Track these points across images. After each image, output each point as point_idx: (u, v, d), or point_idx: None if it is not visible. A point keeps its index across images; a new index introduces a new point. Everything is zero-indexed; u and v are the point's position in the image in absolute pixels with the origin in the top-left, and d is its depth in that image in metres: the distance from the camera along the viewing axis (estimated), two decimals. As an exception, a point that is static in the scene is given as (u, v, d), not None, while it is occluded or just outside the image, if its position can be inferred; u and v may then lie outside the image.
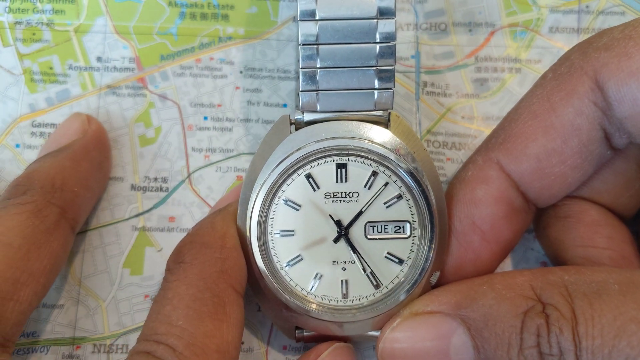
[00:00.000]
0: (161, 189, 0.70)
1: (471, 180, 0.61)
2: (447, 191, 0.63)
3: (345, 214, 0.61)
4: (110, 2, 0.72)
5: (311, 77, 0.59)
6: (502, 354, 0.53)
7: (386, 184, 0.60)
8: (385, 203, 0.61)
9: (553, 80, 0.59)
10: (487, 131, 0.71)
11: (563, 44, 0.73)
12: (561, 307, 0.51)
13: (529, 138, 0.58)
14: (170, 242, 0.69)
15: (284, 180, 0.60)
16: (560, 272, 0.55)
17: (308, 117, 0.60)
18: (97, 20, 0.72)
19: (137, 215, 0.69)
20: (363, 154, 0.60)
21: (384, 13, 0.58)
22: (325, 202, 0.61)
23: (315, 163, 0.60)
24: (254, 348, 0.68)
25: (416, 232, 0.61)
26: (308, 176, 0.60)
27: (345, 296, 0.61)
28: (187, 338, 0.54)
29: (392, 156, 0.59)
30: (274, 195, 0.60)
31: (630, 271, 0.53)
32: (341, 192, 0.61)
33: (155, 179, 0.70)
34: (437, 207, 0.60)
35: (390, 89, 0.60)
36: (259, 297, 0.63)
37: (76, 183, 0.63)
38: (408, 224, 0.61)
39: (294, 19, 0.73)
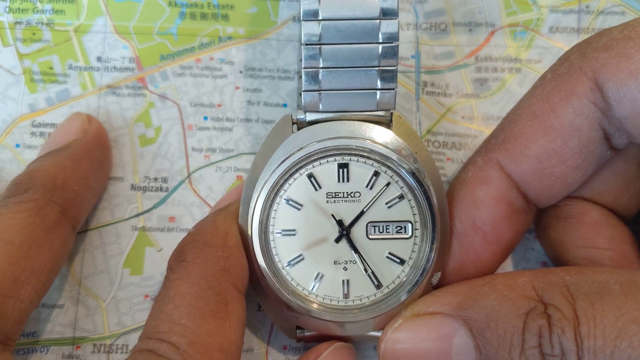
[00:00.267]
0: (161, 189, 0.70)
1: (472, 181, 0.61)
2: (447, 192, 0.62)
3: (347, 213, 0.61)
4: (110, 2, 0.72)
5: (314, 77, 0.59)
6: (504, 354, 0.53)
7: (388, 184, 0.60)
8: (386, 203, 0.61)
9: (552, 80, 0.59)
10: (487, 131, 0.71)
11: (563, 44, 0.73)
12: (563, 308, 0.51)
13: (529, 139, 0.58)
14: (170, 242, 0.69)
15: (286, 180, 0.60)
16: (561, 272, 0.55)
17: (310, 117, 0.60)
18: (97, 20, 0.72)
19: (137, 215, 0.69)
20: (365, 154, 0.60)
21: (387, 13, 0.58)
22: (327, 201, 0.61)
23: (317, 163, 0.60)
24: (254, 348, 0.68)
25: (418, 233, 0.61)
26: (310, 176, 0.60)
27: (346, 296, 0.61)
28: (190, 336, 0.54)
29: (394, 156, 0.59)
30: (276, 194, 0.60)
31: (631, 272, 0.53)
32: (343, 192, 0.61)
33: (155, 179, 0.70)
34: (438, 208, 0.60)
35: (393, 89, 0.60)
36: (260, 297, 0.63)
37: (77, 182, 0.63)
38: (410, 224, 0.61)
39: (294, 18, 0.73)
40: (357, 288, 0.61)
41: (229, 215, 0.61)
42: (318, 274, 0.61)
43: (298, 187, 0.60)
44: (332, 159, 0.60)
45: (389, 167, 0.60)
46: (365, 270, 0.61)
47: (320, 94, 0.59)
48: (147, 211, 0.69)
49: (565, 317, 0.51)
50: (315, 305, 0.60)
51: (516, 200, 0.60)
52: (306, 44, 0.58)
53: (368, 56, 0.59)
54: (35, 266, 0.58)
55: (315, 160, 0.60)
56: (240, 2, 0.72)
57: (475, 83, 0.73)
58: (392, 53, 0.59)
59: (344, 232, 0.60)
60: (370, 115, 0.60)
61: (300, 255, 0.61)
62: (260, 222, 0.60)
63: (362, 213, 0.61)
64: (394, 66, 0.59)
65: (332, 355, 0.62)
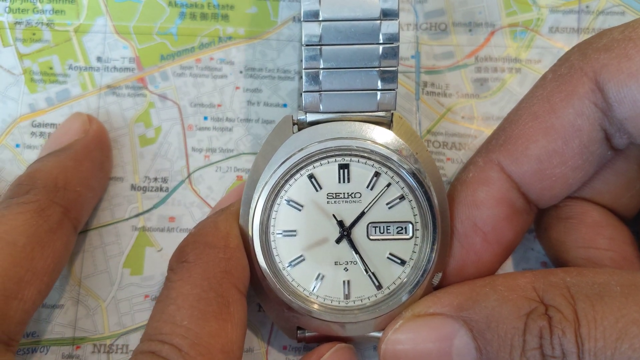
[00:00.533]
0: (161, 189, 0.70)
1: (472, 182, 0.61)
2: (448, 193, 0.62)
3: (348, 214, 0.61)
4: (110, 2, 0.72)
5: (314, 78, 0.59)
6: (505, 355, 0.53)
7: (388, 185, 0.60)
8: (387, 204, 0.61)
9: (553, 81, 0.59)
10: (487, 131, 0.71)
11: (563, 44, 0.73)
12: (563, 309, 0.51)
13: (530, 139, 0.58)
14: (170, 242, 0.69)
15: (287, 181, 0.60)
16: (562, 273, 0.55)
17: (311, 117, 0.60)
18: (97, 20, 0.72)
19: (137, 215, 0.69)
20: (365, 155, 0.60)
21: (387, 14, 0.58)
22: (328, 202, 0.61)
23: (317, 163, 0.60)
24: (254, 348, 0.68)
25: (418, 233, 0.61)
26: (310, 176, 0.60)
27: (347, 297, 0.61)
28: (192, 338, 0.54)
29: (394, 157, 0.59)
30: (277, 195, 0.60)
31: (632, 273, 0.53)
32: (343, 193, 0.61)
33: (155, 179, 0.70)
34: (439, 208, 0.60)
35: (393, 89, 0.60)
36: (261, 297, 0.63)
37: (78, 183, 0.63)
38: (410, 225, 0.61)
39: (294, 19, 0.73)
40: (357, 289, 0.61)
41: (230, 216, 0.61)
42: (319, 274, 0.61)
43: (299, 187, 0.60)
44: (332, 159, 0.60)
45: (390, 168, 0.60)
46: (366, 270, 0.61)
47: (320, 94, 0.59)
48: (147, 211, 0.69)
49: (565, 318, 0.51)
50: (316, 306, 0.60)
51: (517, 201, 0.60)
52: (307, 45, 0.58)
53: (368, 57, 0.59)
54: (38, 267, 0.58)
55: (316, 160, 0.60)
56: (240, 2, 0.72)
57: (475, 83, 0.73)
58: (392, 54, 0.59)
59: (345, 232, 0.60)
60: (371, 115, 0.60)
61: (301, 256, 0.61)
62: (261, 222, 0.60)
63: (362, 214, 0.61)
64: (395, 67, 0.59)
65: (334, 357, 0.62)
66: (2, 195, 0.63)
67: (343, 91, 0.59)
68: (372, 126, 0.60)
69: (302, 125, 0.61)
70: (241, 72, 0.72)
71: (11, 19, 0.71)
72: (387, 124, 0.61)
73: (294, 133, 0.60)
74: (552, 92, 0.58)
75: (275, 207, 0.61)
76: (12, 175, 0.67)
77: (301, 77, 0.60)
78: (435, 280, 0.61)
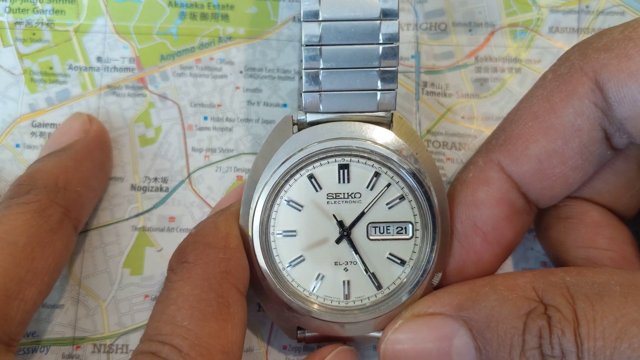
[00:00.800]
0: (161, 189, 0.70)
1: (472, 182, 0.61)
2: (448, 193, 0.62)
3: (348, 214, 0.61)
4: (110, 2, 0.72)
5: (314, 78, 0.59)
6: (504, 355, 0.53)
7: (388, 185, 0.60)
8: (387, 204, 0.61)
9: (553, 81, 0.59)
10: (487, 131, 0.71)
11: (563, 44, 0.73)
12: (563, 309, 0.51)
13: (530, 139, 0.58)
14: (170, 242, 0.69)
15: (287, 181, 0.60)
16: (561, 273, 0.55)
17: (311, 117, 0.60)
18: (97, 20, 0.72)
19: (137, 215, 0.69)
20: (365, 155, 0.60)
21: (387, 14, 0.58)
22: (328, 202, 0.61)
23: (317, 164, 0.60)
24: (254, 348, 0.68)
25: (418, 234, 0.61)
26: (310, 177, 0.60)
27: (347, 297, 0.61)
28: (192, 339, 0.54)
29: (394, 157, 0.59)
30: (277, 195, 0.60)
31: (632, 273, 0.53)
32: (343, 193, 0.61)
33: (155, 179, 0.70)
34: (439, 208, 0.60)
35: (393, 89, 0.60)
36: (261, 298, 0.63)
37: (79, 183, 0.63)
38: (410, 225, 0.61)
39: (294, 19, 0.73)
40: (357, 289, 0.61)
41: (230, 217, 0.61)
42: (319, 274, 0.61)
43: (299, 188, 0.60)
44: (332, 159, 0.60)
45: (390, 168, 0.60)
46: (366, 271, 0.61)
47: (320, 94, 0.59)
48: (147, 211, 0.69)
49: (565, 318, 0.51)
50: (315, 306, 0.60)
51: (517, 201, 0.60)
52: (306, 45, 0.58)
53: (368, 57, 0.59)
54: (38, 267, 0.58)
55: (316, 161, 0.60)
56: (240, 2, 0.72)
57: (475, 83, 0.73)
58: (392, 54, 0.59)
59: (345, 232, 0.60)
60: (371, 116, 0.60)
61: (300, 256, 0.61)
62: (261, 223, 0.60)
63: (362, 214, 0.61)
64: (395, 67, 0.59)
65: (336, 359, 0.62)
66: (3, 196, 0.63)
67: (343, 91, 0.59)
68: (372, 126, 0.60)
69: (302, 126, 0.61)
70: (241, 72, 0.72)
71: (11, 19, 0.71)
72: (387, 124, 0.61)
73: (294, 133, 0.60)
74: (552, 91, 0.58)
75: (275, 207, 0.61)
76: (12, 175, 0.67)
77: (301, 77, 0.60)
78: (435, 280, 0.61)
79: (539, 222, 0.67)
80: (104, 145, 0.68)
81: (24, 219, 0.58)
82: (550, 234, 0.64)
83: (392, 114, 0.61)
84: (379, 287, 0.61)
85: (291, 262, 0.61)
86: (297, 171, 0.60)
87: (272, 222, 0.61)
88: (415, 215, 0.61)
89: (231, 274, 0.57)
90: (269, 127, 0.71)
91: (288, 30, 0.73)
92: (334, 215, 0.61)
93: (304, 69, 0.59)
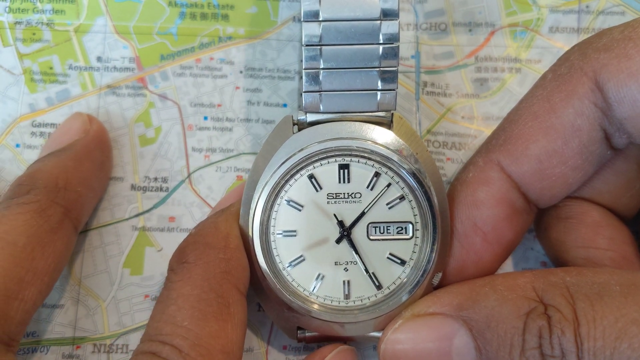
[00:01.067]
0: (161, 189, 0.70)
1: (472, 182, 0.61)
2: (448, 193, 0.62)
3: (348, 214, 0.61)
4: (110, 2, 0.72)
5: (314, 78, 0.59)
6: (504, 355, 0.53)
7: (389, 185, 0.60)
8: (387, 204, 0.61)
9: (553, 81, 0.59)
10: (487, 131, 0.71)
11: (563, 44, 0.73)
12: (563, 309, 0.51)
13: (530, 139, 0.58)
14: (170, 242, 0.69)
15: (287, 181, 0.60)
16: (561, 273, 0.55)
17: (311, 117, 0.60)
18: (97, 20, 0.72)
19: (137, 215, 0.69)
20: (366, 155, 0.60)
21: (388, 14, 0.58)
22: (328, 202, 0.61)
23: (317, 164, 0.60)
24: (254, 348, 0.68)
25: (418, 234, 0.61)
26: (311, 177, 0.60)
27: (347, 297, 0.61)
28: (192, 339, 0.54)
29: (394, 157, 0.59)
30: (277, 195, 0.60)
31: (632, 273, 0.53)
32: (343, 193, 0.61)
33: (155, 179, 0.70)
34: (439, 209, 0.60)
35: (393, 90, 0.60)
36: (261, 298, 0.63)
37: (79, 183, 0.63)
38: (410, 225, 0.61)
39: (294, 19, 0.73)
40: (357, 289, 0.61)
41: (230, 217, 0.61)
42: (319, 274, 0.61)
43: (299, 188, 0.60)
44: (332, 159, 0.60)
45: (390, 168, 0.60)
46: (366, 271, 0.61)
47: (320, 94, 0.59)
48: (147, 211, 0.69)
49: (565, 318, 0.51)
50: (316, 306, 0.60)
51: (517, 201, 0.60)
52: (307, 45, 0.58)
53: (369, 57, 0.59)
54: (38, 267, 0.58)
55: (316, 161, 0.60)
56: (240, 2, 0.72)
57: (475, 83, 0.73)
58: (392, 54, 0.59)
59: (345, 232, 0.60)
60: (371, 116, 0.60)
61: (301, 256, 0.61)
62: (261, 223, 0.60)
63: (362, 214, 0.61)
64: (395, 67, 0.59)
65: (336, 359, 0.62)
66: (3, 196, 0.62)
67: (343, 91, 0.59)
68: (372, 126, 0.60)
69: (302, 126, 0.61)
70: (241, 72, 0.72)
71: (11, 19, 0.71)
72: (387, 124, 0.61)
73: (294, 133, 0.60)
74: (552, 91, 0.58)
75: (276, 208, 0.61)
76: (12, 175, 0.67)
77: (301, 77, 0.60)
78: (435, 280, 0.61)
79: (539, 222, 0.67)
80: (104, 145, 0.68)
81: (24, 219, 0.58)
82: (550, 234, 0.64)
83: (392, 114, 0.61)
84: (379, 287, 0.61)
85: (291, 262, 0.61)
86: (298, 171, 0.60)
87: (272, 222, 0.61)
88: (415, 215, 0.61)
89: (231, 274, 0.57)
90: (269, 127, 0.71)
91: (288, 30, 0.73)
92: (334, 215, 0.61)
93: (304, 69, 0.59)
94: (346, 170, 0.60)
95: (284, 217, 0.61)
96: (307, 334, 0.63)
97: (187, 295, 0.56)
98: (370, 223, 0.61)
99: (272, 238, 0.61)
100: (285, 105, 0.71)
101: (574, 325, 0.50)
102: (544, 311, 0.52)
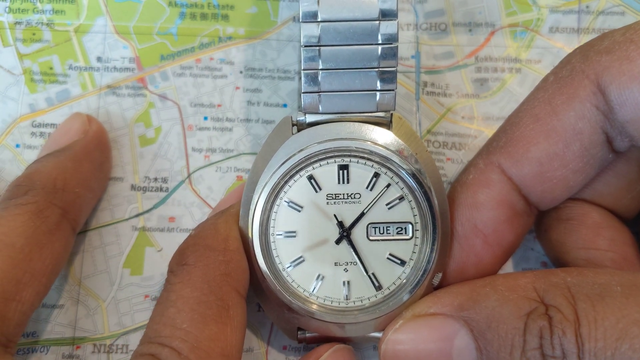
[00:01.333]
0: (161, 189, 0.70)
1: (473, 184, 0.61)
2: (448, 194, 0.62)
3: (347, 215, 0.61)
4: (110, 2, 0.72)
5: (313, 79, 0.59)
6: (505, 355, 0.53)
7: (388, 186, 0.60)
8: (387, 204, 0.61)
9: (555, 83, 0.59)
10: (487, 131, 0.71)
11: (563, 44, 0.73)
12: (564, 309, 0.51)
13: (531, 142, 0.58)
14: (170, 242, 0.69)
15: (286, 182, 0.60)
16: (562, 273, 0.55)
17: (310, 118, 0.60)
18: (97, 20, 0.72)
19: (137, 216, 0.69)
20: (365, 156, 0.60)
21: (386, 15, 0.58)
22: (327, 203, 0.61)
23: (317, 164, 0.60)
24: (254, 348, 0.68)
25: (418, 234, 0.61)
26: (310, 177, 0.60)
27: (347, 297, 0.61)
28: (191, 341, 0.54)
29: (394, 158, 0.59)
30: (276, 196, 0.60)
31: (633, 274, 0.53)
32: (343, 194, 0.61)
33: (155, 179, 0.70)
34: (439, 209, 0.60)
35: (393, 90, 0.60)
36: (261, 298, 0.63)
37: (77, 184, 0.63)
38: (410, 226, 0.61)
39: (294, 19, 0.73)
40: (357, 289, 0.61)
41: (229, 218, 0.61)
42: (319, 275, 0.61)
43: (298, 188, 0.60)
44: (332, 160, 0.60)
45: (389, 169, 0.60)
46: (366, 271, 0.61)
47: (320, 95, 0.59)
48: (147, 211, 0.69)
49: (566, 318, 0.51)
50: (315, 307, 0.60)
51: (517, 203, 0.60)
52: (305, 46, 0.58)
53: (367, 57, 0.59)
54: (36, 268, 0.58)
55: (316, 162, 0.60)
56: (240, 2, 0.72)
57: (475, 83, 0.72)
58: (391, 54, 0.59)
59: (345, 233, 0.60)
60: (370, 116, 0.60)
61: (300, 257, 0.61)
62: (261, 224, 0.60)
63: (362, 214, 0.61)
64: (394, 67, 0.59)
65: (333, 357, 0.62)
66: (1, 196, 0.62)
67: (342, 92, 0.59)
68: (371, 127, 0.60)
69: (301, 127, 0.61)
70: (241, 72, 0.72)
71: (11, 19, 0.71)
72: (387, 124, 0.61)
73: (293, 134, 0.60)
74: (553, 94, 0.58)
75: (275, 208, 0.61)
76: (12, 176, 0.67)
77: (301, 78, 0.59)
78: (436, 281, 0.61)
79: (539, 223, 0.66)
80: (103, 145, 0.68)
81: (22, 220, 0.58)
82: (551, 235, 0.64)
83: (392, 114, 0.61)
84: (379, 287, 0.61)
85: (291, 262, 0.61)
86: (297, 172, 0.60)
87: (272, 222, 0.61)
88: (415, 215, 0.61)
89: (231, 277, 0.57)
90: (269, 127, 0.71)
91: (288, 30, 0.72)
92: (334, 216, 0.60)
93: (303, 69, 0.59)
94: (346, 171, 0.60)
95: (283, 218, 0.61)
96: (307, 335, 0.63)
97: (187, 297, 0.56)
98: (370, 223, 0.61)
99: (271, 239, 0.61)
100: (285, 105, 0.71)
101: (575, 325, 0.50)
102: (545, 312, 0.52)
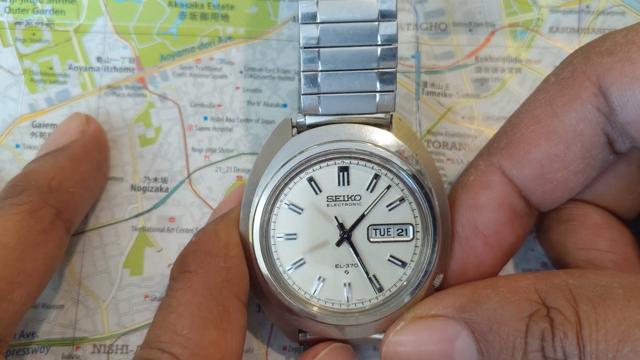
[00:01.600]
0: (161, 189, 0.70)
1: (473, 185, 0.61)
2: (449, 195, 0.62)
3: (348, 217, 0.61)
4: (110, 2, 0.72)
5: (313, 80, 0.59)
6: (507, 357, 0.53)
7: (388, 187, 0.60)
8: (387, 206, 0.61)
9: (556, 84, 0.59)
10: (487, 131, 0.71)
11: (563, 44, 0.73)
12: (565, 311, 0.51)
13: (532, 143, 0.58)
14: (170, 242, 0.69)
15: (286, 184, 0.60)
16: (564, 275, 0.55)
17: (310, 120, 0.60)
18: (97, 20, 0.71)
19: (137, 216, 0.69)
20: (365, 157, 0.60)
21: (385, 15, 0.58)
22: (328, 205, 0.60)
23: (317, 166, 0.60)
24: (254, 349, 0.68)
25: (419, 235, 0.61)
26: (310, 179, 0.60)
27: (348, 299, 0.61)
28: (191, 347, 0.54)
29: (394, 159, 0.59)
30: (277, 198, 0.60)
31: (634, 276, 0.53)
32: (343, 196, 0.60)
33: (155, 179, 0.70)
34: (440, 210, 0.60)
35: (392, 91, 0.59)
36: (262, 301, 0.63)
37: (75, 183, 0.63)
38: (411, 227, 0.61)
39: (294, 19, 0.72)
40: (358, 291, 0.61)
41: (230, 223, 0.61)
42: (319, 277, 0.61)
43: (299, 191, 0.60)
44: (332, 162, 0.60)
45: (390, 170, 0.60)
46: (367, 273, 0.60)
47: (319, 97, 0.59)
48: (147, 211, 0.69)
49: (567, 320, 0.50)
50: (316, 309, 0.60)
51: (518, 205, 0.60)
52: (305, 47, 0.58)
53: (367, 58, 0.59)
54: (29, 268, 0.58)
55: (316, 164, 0.60)
56: (240, 2, 0.72)
57: (475, 83, 0.72)
58: (391, 55, 0.59)
59: (345, 235, 0.60)
60: (370, 117, 0.60)
61: (301, 259, 0.61)
62: (261, 226, 0.60)
63: (362, 216, 0.60)
64: (393, 68, 0.59)
65: (330, 356, 0.62)
66: (-3, 196, 0.63)
67: (342, 93, 0.59)
68: (371, 128, 0.60)
69: (301, 128, 0.61)
70: (241, 72, 0.72)
71: (11, 19, 0.71)
72: (387, 125, 0.61)
73: (293, 136, 0.60)
74: (554, 95, 0.58)
75: (275, 211, 0.61)
76: (12, 176, 0.66)
77: (301, 79, 0.59)
78: (437, 282, 0.61)
79: (539, 224, 0.66)
80: (102, 145, 0.68)
81: (15, 220, 0.58)
82: (551, 236, 0.64)
83: (392, 115, 0.61)
84: (380, 289, 0.61)
85: (292, 265, 0.61)
86: (297, 174, 0.60)
87: (272, 225, 0.61)
88: (415, 216, 0.61)
89: (232, 283, 0.57)
90: (269, 128, 0.71)
91: (288, 30, 0.72)
92: (335, 217, 0.60)
93: (302, 71, 0.59)
94: (346, 173, 0.60)
95: (283, 220, 0.61)
96: (308, 337, 0.63)
97: (188, 303, 0.56)
98: (370, 225, 0.61)
99: (272, 241, 0.61)
100: (285, 105, 0.71)
101: (577, 327, 0.50)
102: (546, 313, 0.52)
